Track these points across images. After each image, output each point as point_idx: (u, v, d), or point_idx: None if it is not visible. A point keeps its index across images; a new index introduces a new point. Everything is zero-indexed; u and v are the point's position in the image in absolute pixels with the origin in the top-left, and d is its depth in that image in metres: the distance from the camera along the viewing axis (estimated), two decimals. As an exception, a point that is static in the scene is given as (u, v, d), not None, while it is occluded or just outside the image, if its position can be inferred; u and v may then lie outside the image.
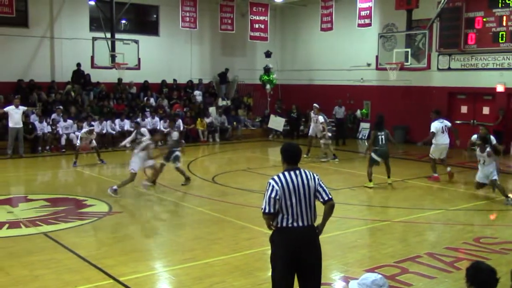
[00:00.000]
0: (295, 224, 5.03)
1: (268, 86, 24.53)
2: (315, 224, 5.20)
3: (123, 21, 24.24)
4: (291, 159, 5.16)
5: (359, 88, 24.09)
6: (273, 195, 5.00)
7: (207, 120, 22.82)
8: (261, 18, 23.86)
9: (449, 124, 14.60)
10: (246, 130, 24.33)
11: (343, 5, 22.89)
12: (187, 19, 22.29)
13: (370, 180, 13.27)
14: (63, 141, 19.07)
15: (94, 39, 20.63)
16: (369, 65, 23.37)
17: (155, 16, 25.02)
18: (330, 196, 5.24)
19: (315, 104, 17.96)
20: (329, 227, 9.61)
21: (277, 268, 5.12)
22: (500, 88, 19.53)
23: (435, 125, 14.19)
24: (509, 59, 19.17)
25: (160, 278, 7.25)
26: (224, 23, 23.36)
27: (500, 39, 19.11)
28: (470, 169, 16.42)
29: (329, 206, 5.24)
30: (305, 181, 5.08)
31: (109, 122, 20.43)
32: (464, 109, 21.17)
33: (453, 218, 10.51)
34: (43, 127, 18.92)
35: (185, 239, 8.92)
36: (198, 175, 14.90)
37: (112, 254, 7.96)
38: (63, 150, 18.94)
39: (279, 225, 5.07)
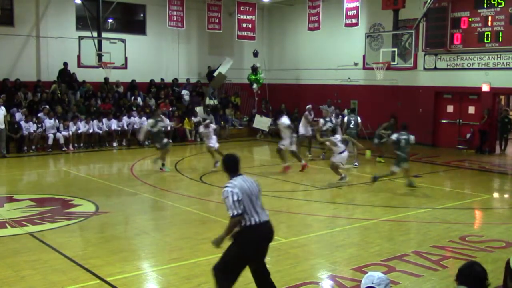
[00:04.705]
0: (260, 220, 5.59)
1: (255, 86, 24.52)
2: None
3: (110, 20, 24.11)
4: (235, 168, 5.77)
5: (346, 88, 24.17)
6: (235, 198, 5.46)
7: (195, 120, 22.76)
8: (249, 17, 23.85)
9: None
10: (233, 130, 24.32)
11: (330, 5, 22.96)
12: (174, 18, 22.23)
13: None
14: (50, 141, 18.93)
15: (80, 38, 20.50)
16: (356, 64, 23.46)
17: (142, 15, 24.91)
18: None
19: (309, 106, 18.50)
20: (317, 226, 9.76)
21: (239, 262, 5.72)
22: (485, 88, 19.70)
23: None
24: (494, 59, 19.35)
25: (147, 278, 7.23)
26: (211, 22, 23.31)
27: (485, 39, 19.27)
28: (457, 168, 16.58)
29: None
30: (253, 184, 5.72)
31: (96, 121, 20.32)
32: (450, 108, 21.34)
33: (440, 217, 10.59)
34: (29, 127, 18.76)
35: (172, 239, 8.90)
36: (185, 175, 14.87)
37: (99, 254, 7.92)
38: (50, 150, 18.80)
39: (248, 224, 5.55)
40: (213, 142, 15.42)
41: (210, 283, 6.81)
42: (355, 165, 16.35)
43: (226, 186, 5.54)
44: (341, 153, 13.54)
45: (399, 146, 12.82)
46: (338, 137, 14.15)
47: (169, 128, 16.15)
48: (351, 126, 16.93)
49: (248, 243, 5.59)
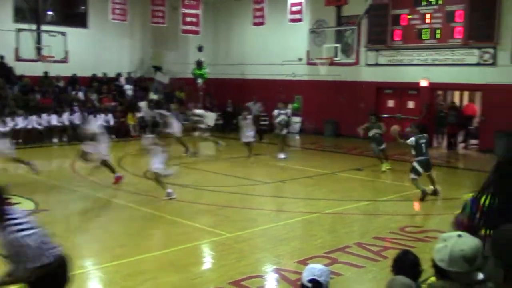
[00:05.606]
0: (59, 249, 4.52)
1: (199, 80, 24.41)
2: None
3: (50, 12, 23.40)
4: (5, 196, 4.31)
5: (291, 83, 24.39)
6: (40, 239, 4.26)
7: (138, 115, 22.44)
8: (193, 11, 23.66)
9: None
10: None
11: (275, 0, 23.07)
12: (117, 11, 21.81)
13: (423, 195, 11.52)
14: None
15: (18, 30, 19.83)
16: (300, 60, 23.70)
17: (83, 7, 24.30)
18: None
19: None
20: (261, 220, 9.82)
21: None
22: (424, 83, 20.31)
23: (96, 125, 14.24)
24: (432, 55, 19.98)
25: (89, 277, 7.08)
26: (155, 16, 23.03)
27: (424, 35, 19.89)
28: (397, 161, 17.01)
29: None
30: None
31: (35, 117, 19.70)
32: (391, 103, 21.89)
33: (381, 209, 10.89)
34: (-36, 123, 18.01)
35: (115, 236, 8.76)
36: (129, 171, 14.63)
37: (38, 253, 7.69)
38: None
39: (47, 261, 4.28)
40: None
41: (155, 280, 6.77)
42: (281, 157, 16.57)
43: (15, 230, 4.11)
44: (158, 155, 11.36)
45: (420, 151, 11.42)
46: (150, 135, 12.09)
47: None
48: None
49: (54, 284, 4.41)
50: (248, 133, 16.93)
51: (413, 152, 11.50)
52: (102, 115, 21.46)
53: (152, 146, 11.40)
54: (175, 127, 17.38)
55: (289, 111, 17.51)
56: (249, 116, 17.33)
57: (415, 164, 11.44)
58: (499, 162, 3.32)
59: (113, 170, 12.90)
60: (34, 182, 12.98)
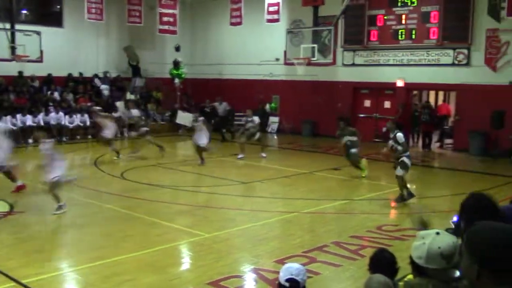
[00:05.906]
0: None
1: (176, 80, 24.31)
2: None
3: (24, 11, 23.08)
4: None
5: (269, 83, 24.44)
6: None
7: (115, 115, 22.22)
8: (170, 11, 23.59)
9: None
10: (155, 125, 23.95)
11: (252, 0, 23.11)
12: (93, 10, 21.61)
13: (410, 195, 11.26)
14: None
15: (-9, 29, 19.55)
16: (277, 60, 23.77)
17: (58, 6, 24.00)
18: None
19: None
20: (240, 220, 9.83)
21: None
22: (400, 83, 20.53)
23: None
24: (407, 56, 20.21)
25: (66, 279, 7.01)
26: (132, 16, 22.88)
27: (399, 36, 20.11)
28: (374, 161, 17.17)
29: None
30: None
31: (9, 117, 19.39)
32: (367, 103, 22.08)
33: (358, 208, 10.98)
34: None
35: (93, 237, 8.68)
36: (106, 171, 14.52)
37: (14, 255, 7.60)
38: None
39: None
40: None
41: (133, 281, 6.73)
42: (240, 157, 16.65)
43: None
44: (56, 162, 10.19)
45: (406, 146, 11.28)
46: (49, 140, 10.67)
47: None
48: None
49: None
50: (202, 140, 15.57)
51: (400, 148, 11.11)
52: (78, 115, 21.25)
53: (50, 151, 10.16)
54: (109, 129, 16.40)
55: (255, 118, 16.94)
56: (201, 118, 16.24)
57: (404, 159, 11.05)
58: (464, 205, 3.41)
59: (15, 180, 11.69)
60: (8, 184, 12.78)
